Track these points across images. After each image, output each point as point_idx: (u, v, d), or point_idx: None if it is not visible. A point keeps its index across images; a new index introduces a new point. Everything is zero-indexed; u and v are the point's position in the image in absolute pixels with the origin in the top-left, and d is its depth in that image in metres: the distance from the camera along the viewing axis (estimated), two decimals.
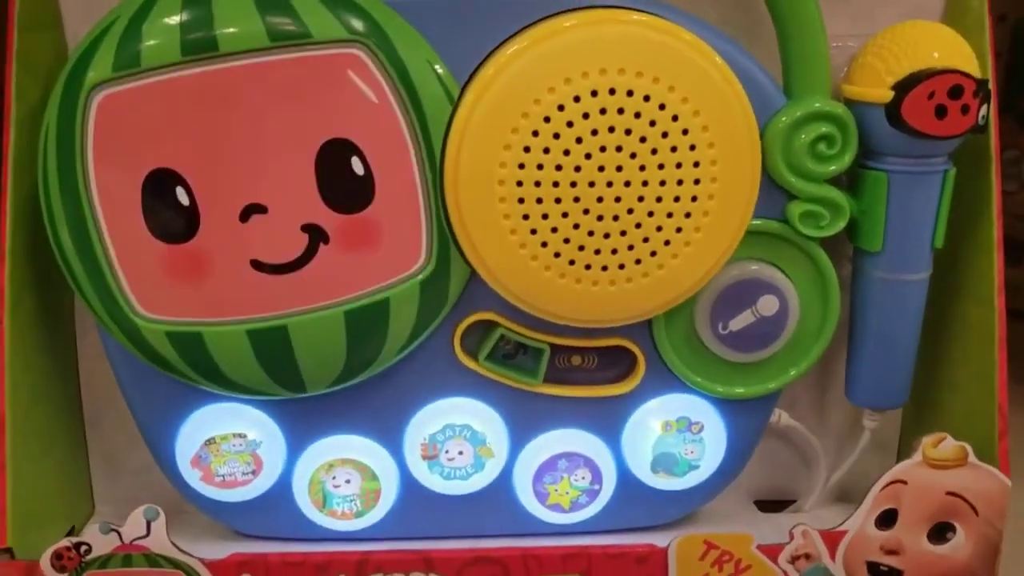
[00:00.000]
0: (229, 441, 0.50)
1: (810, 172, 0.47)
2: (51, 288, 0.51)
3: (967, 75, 0.46)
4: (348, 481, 0.51)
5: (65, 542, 0.47)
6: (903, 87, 0.46)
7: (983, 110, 0.47)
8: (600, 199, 0.44)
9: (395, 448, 0.51)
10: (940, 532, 0.50)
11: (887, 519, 0.50)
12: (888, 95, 0.46)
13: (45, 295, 0.51)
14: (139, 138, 0.43)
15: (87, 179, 0.44)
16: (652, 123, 0.43)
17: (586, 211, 0.44)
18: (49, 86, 0.44)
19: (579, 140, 0.43)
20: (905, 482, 0.49)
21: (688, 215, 0.44)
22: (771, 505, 0.58)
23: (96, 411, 0.55)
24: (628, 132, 0.43)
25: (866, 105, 0.47)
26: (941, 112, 0.46)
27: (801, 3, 0.47)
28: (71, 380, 0.55)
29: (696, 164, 0.44)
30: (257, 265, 0.45)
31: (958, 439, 0.49)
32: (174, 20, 0.42)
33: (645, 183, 0.44)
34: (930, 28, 0.47)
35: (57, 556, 0.47)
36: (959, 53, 0.47)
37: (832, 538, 0.50)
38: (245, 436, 0.50)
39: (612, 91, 0.42)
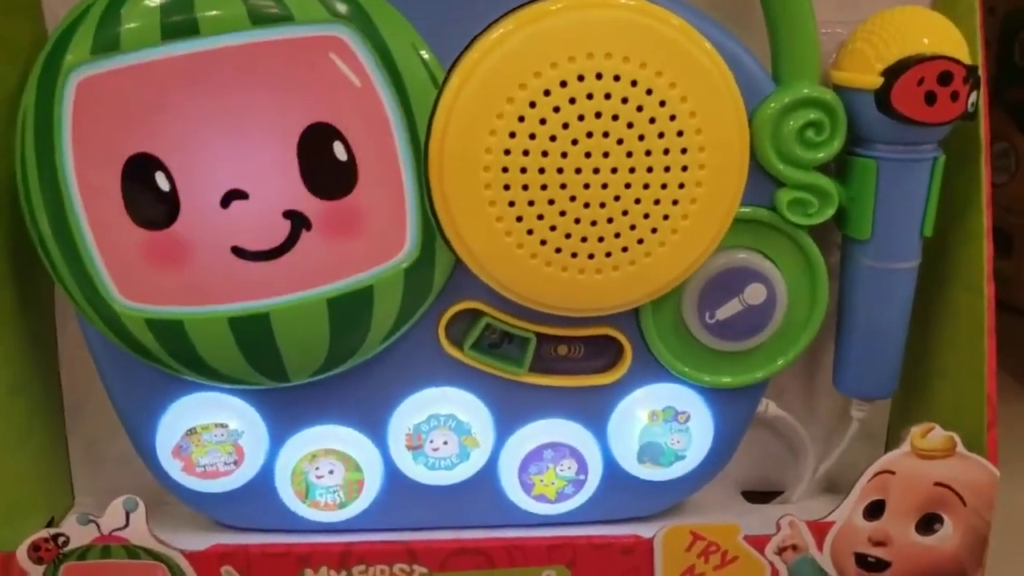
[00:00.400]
0: (210, 431, 0.49)
1: (799, 159, 0.47)
2: (30, 280, 0.50)
3: (957, 61, 0.46)
4: (331, 472, 0.50)
5: (43, 533, 0.46)
6: (892, 73, 0.45)
7: (973, 97, 0.47)
8: (587, 186, 0.43)
9: (379, 438, 0.51)
10: (928, 523, 0.49)
11: (875, 510, 0.49)
12: (877, 81, 0.46)
13: (24, 288, 0.50)
14: (118, 122, 0.43)
15: (65, 165, 0.43)
16: (639, 109, 0.42)
17: (573, 198, 0.43)
18: (27, 71, 0.44)
19: (565, 126, 0.42)
20: (893, 472, 0.49)
21: (675, 202, 0.44)
22: (758, 496, 0.58)
23: (76, 401, 0.55)
24: (615, 118, 0.42)
25: (855, 91, 0.47)
26: (931, 98, 0.46)
27: None
28: (51, 372, 0.54)
29: (684, 151, 0.43)
30: (238, 252, 0.44)
31: (947, 429, 0.48)
32: (154, 2, 0.42)
33: (632, 170, 0.43)
34: (920, 14, 0.47)
35: (34, 547, 0.46)
36: (949, 39, 0.46)
37: (819, 529, 0.49)
38: (227, 426, 0.49)
39: (599, 76, 0.42)
